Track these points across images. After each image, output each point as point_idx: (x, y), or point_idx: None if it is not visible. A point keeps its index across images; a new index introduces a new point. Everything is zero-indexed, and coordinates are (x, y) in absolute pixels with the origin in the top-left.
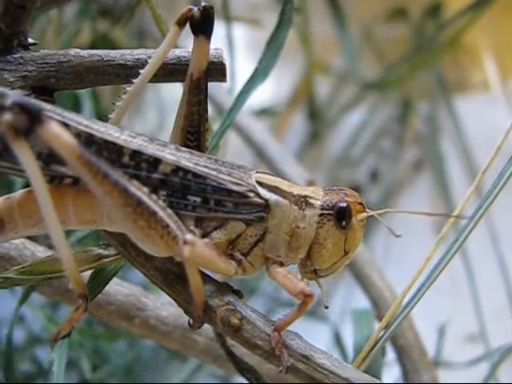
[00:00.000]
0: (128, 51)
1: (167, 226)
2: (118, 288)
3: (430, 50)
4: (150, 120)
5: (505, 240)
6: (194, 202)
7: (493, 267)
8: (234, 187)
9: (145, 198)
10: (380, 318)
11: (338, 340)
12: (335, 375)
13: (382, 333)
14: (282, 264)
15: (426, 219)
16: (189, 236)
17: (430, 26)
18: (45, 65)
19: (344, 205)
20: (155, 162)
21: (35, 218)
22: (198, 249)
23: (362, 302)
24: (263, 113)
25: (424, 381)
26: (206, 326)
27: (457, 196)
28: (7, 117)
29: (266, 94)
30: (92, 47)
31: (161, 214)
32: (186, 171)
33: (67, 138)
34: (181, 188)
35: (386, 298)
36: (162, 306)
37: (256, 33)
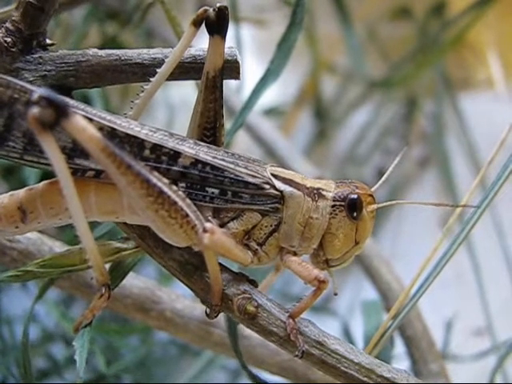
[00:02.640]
0: (145, 51)
1: (187, 215)
2: (134, 282)
3: (435, 48)
4: (159, 119)
5: (510, 235)
6: (212, 193)
7: (499, 261)
8: (251, 179)
9: (165, 189)
10: (389, 309)
11: (346, 333)
12: (347, 360)
13: (390, 322)
14: (295, 254)
15: (433, 215)
16: (208, 224)
17: (434, 25)
18: (63, 64)
19: (355, 196)
20: (175, 155)
21: (57, 209)
22: (216, 237)
23: (370, 296)
24: (270, 112)
25: (432, 370)
26: (220, 319)
27: (462, 192)
28: (34, 111)
29: (272, 93)
30: (102, 49)
31: (181, 203)
32: (205, 164)
33: (92, 131)
34: (199, 180)
35: (394, 291)
36: (177, 298)
37: (260, 33)
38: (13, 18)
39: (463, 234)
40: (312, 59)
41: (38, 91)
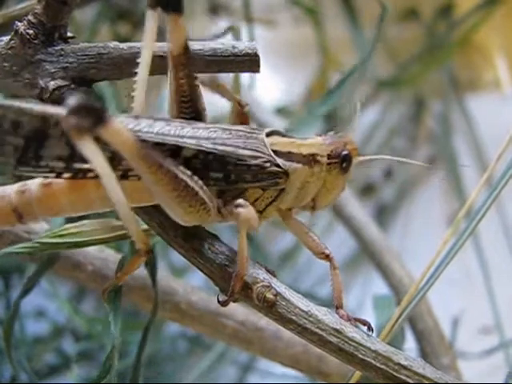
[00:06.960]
0: (165, 43)
1: (204, 202)
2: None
3: (442, 49)
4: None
5: None
6: (217, 178)
7: (507, 260)
8: (253, 161)
9: (189, 182)
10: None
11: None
12: (365, 348)
13: (400, 313)
14: (290, 209)
15: (442, 212)
16: (241, 201)
17: (442, 26)
18: (85, 57)
19: (347, 153)
20: (177, 150)
21: (57, 209)
22: (251, 210)
23: (379, 292)
24: (279, 111)
25: (443, 363)
26: (235, 311)
27: (469, 192)
28: (72, 120)
29: (280, 92)
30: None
31: (201, 194)
32: (207, 153)
33: (127, 135)
34: (202, 168)
35: (405, 285)
36: (192, 290)
37: (266, 33)
38: (35, 11)
39: (470, 227)
40: (320, 59)
41: (73, 98)
